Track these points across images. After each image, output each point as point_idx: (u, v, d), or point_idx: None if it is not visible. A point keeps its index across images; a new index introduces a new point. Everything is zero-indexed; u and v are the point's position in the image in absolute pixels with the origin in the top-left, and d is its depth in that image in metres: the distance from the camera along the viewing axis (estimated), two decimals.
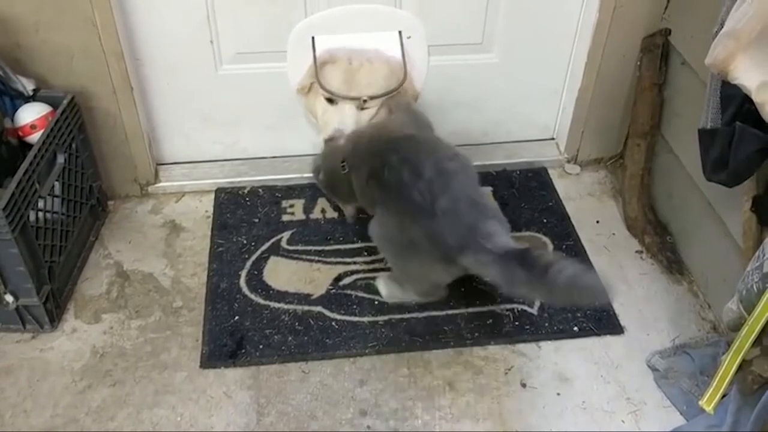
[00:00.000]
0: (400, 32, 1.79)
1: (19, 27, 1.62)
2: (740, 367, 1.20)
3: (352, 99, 1.70)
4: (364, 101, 1.65)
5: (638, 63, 1.89)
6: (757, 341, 1.16)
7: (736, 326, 1.21)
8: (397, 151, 1.47)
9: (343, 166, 1.57)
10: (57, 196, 1.64)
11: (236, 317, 1.64)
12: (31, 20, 1.61)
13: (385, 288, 1.70)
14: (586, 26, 1.87)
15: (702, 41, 1.43)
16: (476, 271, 1.43)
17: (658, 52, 1.82)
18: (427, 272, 1.56)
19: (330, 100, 1.72)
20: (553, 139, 2.17)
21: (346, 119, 1.67)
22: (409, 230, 1.45)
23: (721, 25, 1.19)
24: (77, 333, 1.61)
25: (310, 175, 1.94)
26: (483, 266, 1.38)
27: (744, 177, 1.32)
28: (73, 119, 1.69)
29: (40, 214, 1.57)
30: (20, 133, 1.63)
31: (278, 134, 2.02)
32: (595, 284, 1.30)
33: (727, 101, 1.28)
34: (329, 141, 1.67)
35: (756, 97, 1.11)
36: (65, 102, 1.66)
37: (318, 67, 1.73)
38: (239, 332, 1.60)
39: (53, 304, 1.60)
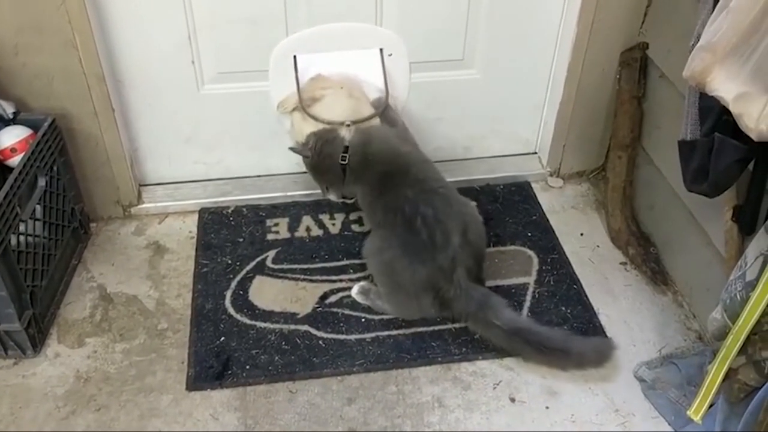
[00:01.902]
0: (381, 50, 1.80)
1: None
2: (726, 376, 1.21)
3: (336, 124, 1.70)
4: (348, 125, 1.66)
5: (617, 77, 1.91)
6: (742, 350, 1.17)
7: (721, 335, 1.22)
8: (423, 195, 1.56)
9: (343, 156, 1.61)
10: (38, 220, 1.63)
11: (222, 338, 1.62)
12: (10, 43, 1.61)
13: (361, 299, 1.71)
14: (565, 41, 1.89)
15: (679, 54, 1.46)
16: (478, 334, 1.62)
17: (637, 65, 1.85)
18: (416, 305, 1.58)
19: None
20: (535, 153, 2.18)
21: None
22: (414, 270, 1.55)
23: (698, 39, 1.20)
24: (60, 358, 1.59)
25: (294, 193, 1.96)
26: (489, 337, 1.58)
27: (724, 187, 1.34)
28: (54, 142, 1.68)
29: (22, 237, 1.55)
30: (0, 157, 1.61)
31: (261, 153, 2.02)
32: (600, 347, 1.58)
33: (705, 113, 1.30)
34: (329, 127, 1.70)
35: (733, 108, 1.13)
36: (46, 124, 1.64)
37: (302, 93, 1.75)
38: (225, 353, 1.59)
39: (35, 329, 1.58)
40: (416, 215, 1.53)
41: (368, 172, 1.62)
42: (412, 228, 1.53)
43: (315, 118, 1.71)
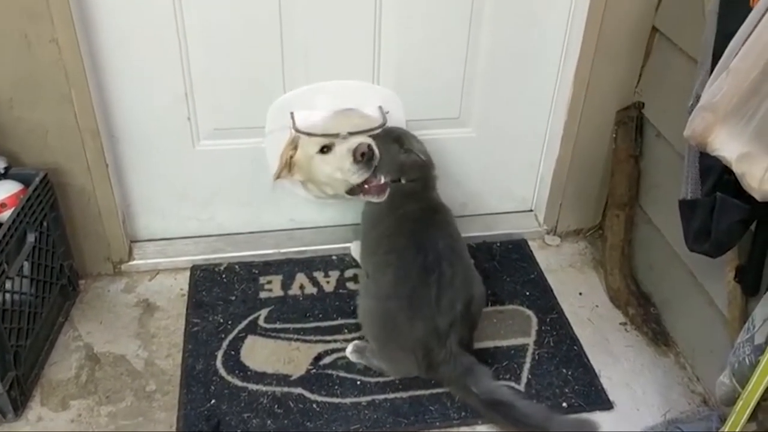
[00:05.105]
0: (380, 107, 1.81)
1: None
2: None
3: (331, 136, 1.69)
4: (344, 137, 1.65)
5: (614, 135, 1.92)
6: (752, 416, 1.14)
7: (730, 400, 1.19)
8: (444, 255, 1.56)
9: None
10: (26, 277, 1.58)
11: (213, 401, 1.57)
12: (5, 97, 1.59)
13: (355, 358, 1.67)
14: (560, 100, 1.90)
15: (675, 114, 1.47)
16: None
17: (633, 124, 1.86)
18: (413, 362, 1.54)
19: (323, 151, 1.71)
20: (531, 210, 2.17)
21: (343, 163, 1.68)
22: (412, 325, 1.52)
23: (697, 99, 1.21)
24: (43, 422, 1.52)
25: (288, 250, 1.96)
26: (469, 404, 1.54)
27: (727, 247, 1.32)
28: (45, 197, 1.65)
29: (8, 295, 1.50)
30: None
31: (255, 210, 2.00)
32: (583, 427, 1.50)
33: (706, 172, 1.30)
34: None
35: (736, 168, 1.12)
36: (37, 179, 1.62)
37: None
38: (216, 417, 1.53)
39: (18, 392, 1.51)
40: (435, 269, 1.52)
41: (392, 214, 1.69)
42: (426, 279, 1.52)
43: (310, 134, 1.71)
